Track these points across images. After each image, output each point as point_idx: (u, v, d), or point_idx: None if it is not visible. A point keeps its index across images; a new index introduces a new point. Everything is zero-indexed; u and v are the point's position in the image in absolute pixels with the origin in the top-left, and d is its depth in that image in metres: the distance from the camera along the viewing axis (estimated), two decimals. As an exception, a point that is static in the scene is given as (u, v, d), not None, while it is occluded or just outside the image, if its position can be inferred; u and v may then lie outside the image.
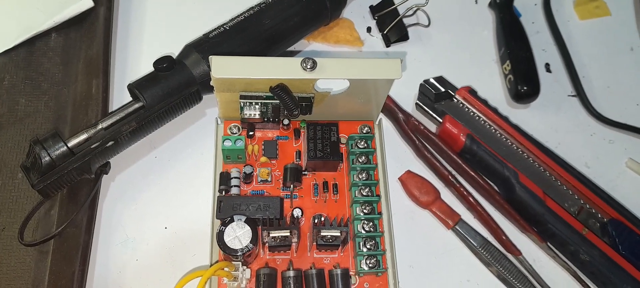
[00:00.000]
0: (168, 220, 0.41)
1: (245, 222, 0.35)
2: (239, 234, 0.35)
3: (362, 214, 0.39)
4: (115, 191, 0.42)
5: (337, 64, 0.36)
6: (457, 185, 0.43)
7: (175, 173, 0.43)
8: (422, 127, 0.45)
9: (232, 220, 0.35)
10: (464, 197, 0.43)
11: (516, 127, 0.45)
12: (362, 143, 0.41)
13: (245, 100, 0.39)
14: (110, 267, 0.39)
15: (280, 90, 0.37)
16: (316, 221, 0.38)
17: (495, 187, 0.44)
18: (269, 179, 0.41)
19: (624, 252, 0.41)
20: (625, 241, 0.41)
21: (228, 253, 0.34)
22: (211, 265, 0.38)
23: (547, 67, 0.52)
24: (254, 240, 0.35)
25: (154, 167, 0.43)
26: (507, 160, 0.44)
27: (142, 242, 0.40)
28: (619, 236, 0.41)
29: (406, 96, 0.48)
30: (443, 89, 0.46)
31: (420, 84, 0.46)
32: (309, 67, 0.35)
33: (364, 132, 0.43)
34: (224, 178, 0.40)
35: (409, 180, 0.44)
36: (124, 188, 0.42)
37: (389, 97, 0.44)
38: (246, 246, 0.34)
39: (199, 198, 0.42)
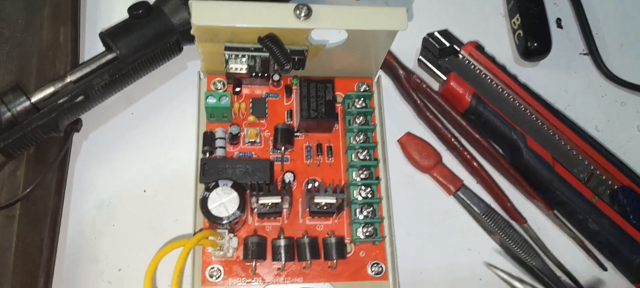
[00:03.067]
0: (147, 183, 0.38)
1: (231, 187, 0.32)
2: (224, 201, 0.32)
3: (358, 179, 0.36)
4: (88, 150, 0.38)
5: (335, 12, 0.32)
6: (460, 148, 0.40)
7: (154, 131, 0.39)
8: (424, 85, 0.42)
9: (217, 185, 0.32)
10: (467, 161, 0.40)
11: (525, 87, 0.42)
12: (360, 102, 0.38)
13: (230, 52, 0.35)
14: (84, 232, 0.36)
15: (270, 41, 0.33)
16: (309, 187, 0.34)
17: (501, 151, 0.41)
18: (258, 141, 0.37)
19: (634, 221, 0.38)
20: (636, 209, 0.39)
21: (213, 221, 0.31)
22: (194, 232, 0.35)
23: (559, 23, 0.48)
24: (242, 207, 0.32)
25: (130, 124, 0.39)
26: (514, 123, 0.41)
27: (118, 206, 0.37)
28: (630, 204, 0.39)
29: (407, 51, 0.44)
30: (448, 44, 0.43)
31: (424, 38, 0.43)
32: (303, 14, 0.31)
33: (362, 90, 0.40)
34: (208, 139, 0.36)
35: (408, 142, 0.41)
36: (97, 147, 0.38)
37: (389, 52, 0.41)
38: (233, 214, 0.31)
39: (180, 159, 0.38)
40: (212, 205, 0.31)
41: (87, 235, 0.36)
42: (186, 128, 0.39)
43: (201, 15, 0.31)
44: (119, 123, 0.39)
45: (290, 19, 0.31)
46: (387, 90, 0.42)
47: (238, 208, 0.31)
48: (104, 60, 0.35)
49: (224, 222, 0.31)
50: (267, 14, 0.31)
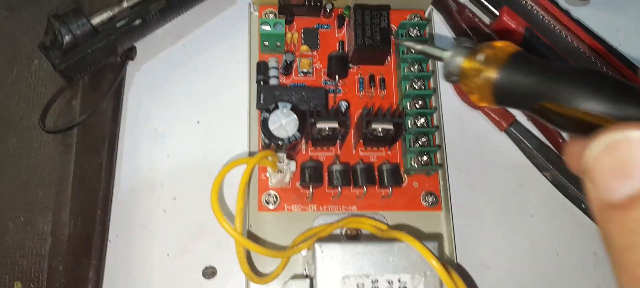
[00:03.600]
0: (200, 114, 0.38)
1: (291, 109, 0.32)
2: (284, 122, 0.32)
3: (414, 109, 0.36)
4: (141, 81, 0.38)
5: None
6: (513, 83, 0.40)
7: (206, 64, 0.39)
8: (476, 20, 0.41)
9: (276, 107, 0.32)
10: (519, 96, 0.40)
11: (578, 22, 0.41)
12: (414, 31, 0.37)
13: (287, -23, 0.34)
14: (140, 161, 0.36)
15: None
16: (368, 111, 0.34)
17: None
18: (311, 71, 0.37)
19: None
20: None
21: (273, 141, 0.31)
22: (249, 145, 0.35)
23: (610, -38, 0.47)
24: (301, 128, 0.31)
25: (182, 57, 0.39)
26: (568, 57, 0.40)
27: (172, 136, 0.37)
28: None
29: (458, -13, 0.43)
30: (500, -21, 0.42)
31: (476, -28, 0.42)
32: None
33: (415, 21, 0.39)
34: (262, 68, 0.36)
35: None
36: (150, 79, 0.38)
37: (441, -15, 0.40)
38: (293, 135, 0.31)
39: (233, 90, 0.38)
40: (273, 126, 0.31)
41: (143, 163, 0.36)
42: (237, 60, 0.39)
43: None
44: (170, 56, 0.39)
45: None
46: (438, 25, 0.42)
47: (298, 130, 0.31)
48: (159, -16, 0.35)
49: (285, 142, 0.31)
50: None
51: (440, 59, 0.23)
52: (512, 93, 0.20)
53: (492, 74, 0.20)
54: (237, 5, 0.41)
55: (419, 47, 0.26)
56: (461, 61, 0.21)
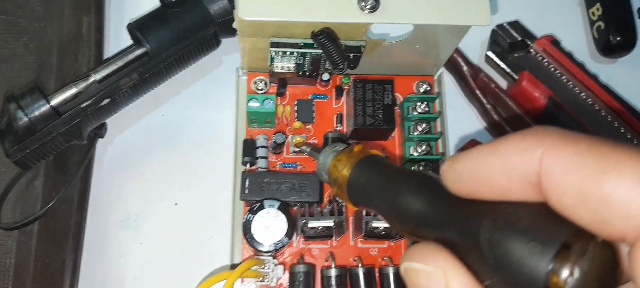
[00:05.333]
0: (179, 195, 0.34)
1: (278, 208, 0.27)
2: (270, 224, 0.27)
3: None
4: (113, 158, 0.34)
5: (405, 3, 0.27)
6: (533, 159, 0.35)
7: (187, 136, 0.35)
8: (492, 85, 0.36)
9: (262, 207, 0.27)
10: (540, 174, 0.35)
11: (606, 89, 0.37)
12: (422, 106, 0.33)
13: (277, 49, 0.30)
14: (109, 251, 0.32)
15: (325, 37, 0.28)
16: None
17: (579, 163, 0.36)
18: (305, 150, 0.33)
19: None
20: None
21: (257, 248, 0.27)
22: (232, 251, 0.30)
23: (641, 13, 0.42)
24: (290, 232, 0.27)
25: (160, 128, 0.35)
26: (593, 130, 0.35)
27: (147, 221, 0.33)
28: None
29: (472, 45, 0.39)
30: (519, 38, 0.37)
31: (493, 30, 0.37)
32: (369, 6, 0.26)
33: (422, 90, 0.34)
34: (249, 147, 0.32)
35: (473, 151, 0.35)
36: (124, 154, 0.34)
37: (453, 47, 0.35)
38: (280, 241, 0.27)
39: (216, 168, 0.34)
40: (256, 230, 0.27)
41: (113, 253, 0.32)
42: (223, 132, 0.34)
43: (249, 8, 0.26)
44: (147, 126, 0.35)
45: (353, 12, 0.26)
46: (449, 89, 0.37)
47: (286, 235, 0.27)
48: (132, 55, 0.31)
49: (270, 250, 0.27)
50: (326, 5, 0.26)
51: (316, 159, 0.26)
52: (355, 193, 0.22)
53: (345, 173, 0.22)
54: (223, 66, 0.37)
55: (307, 149, 0.29)
56: (329, 162, 0.24)
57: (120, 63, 0.30)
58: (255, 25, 0.28)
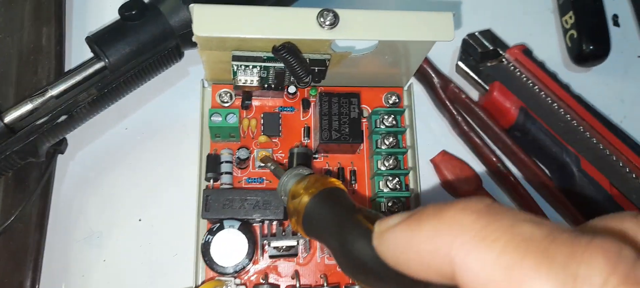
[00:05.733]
0: (142, 211, 0.33)
1: (239, 228, 0.27)
2: (230, 246, 0.27)
3: (387, 211, 0.31)
4: (75, 173, 0.33)
5: (366, 19, 0.26)
6: (504, 171, 0.35)
7: (152, 150, 0.34)
8: (463, 96, 0.36)
9: (221, 227, 0.27)
10: (511, 185, 0.35)
11: (579, 99, 0.36)
12: (390, 119, 0.32)
13: (239, 63, 0.29)
14: (71, 270, 0.31)
15: (287, 52, 0.27)
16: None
17: (550, 175, 0.36)
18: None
19: None
20: None
21: (216, 271, 0.26)
22: (196, 271, 0.30)
23: (615, 20, 0.42)
24: (251, 253, 0.27)
25: (124, 142, 0.34)
26: (566, 142, 0.35)
27: (111, 238, 0.32)
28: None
29: (443, 55, 0.38)
30: (491, 47, 0.37)
31: (464, 39, 0.37)
32: (328, 23, 0.25)
33: (391, 102, 0.34)
34: (212, 163, 0.31)
35: (443, 162, 0.35)
36: (86, 169, 0.33)
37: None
38: (240, 263, 0.26)
39: (181, 183, 0.33)
40: (215, 252, 0.26)
41: (75, 272, 0.31)
42: (188, 146, 0.34)
43: (204, 24, 0.25)
44: (110, 141, 0.34)
45: (312, 29, 0.25)
46: (419, 100, 0.37)
47: (246, 256, 0.26)
48: (91, 70, 0.30)
49: (230, 272, 0.26)
50: (284, 21, 0.26)
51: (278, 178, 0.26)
52: (309, 225, 0.22)
53: (305, 201, 0.22)
54: (189, 78, 0.36)
55: (272, 167, 0.28)
56: (291, 185, 0.24)
57: (78, 78, 0.29)
58: (214, 40, 0.27)
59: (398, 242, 0.15)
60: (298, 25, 0.26)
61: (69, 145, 0.33)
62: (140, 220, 0.33)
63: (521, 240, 0.12)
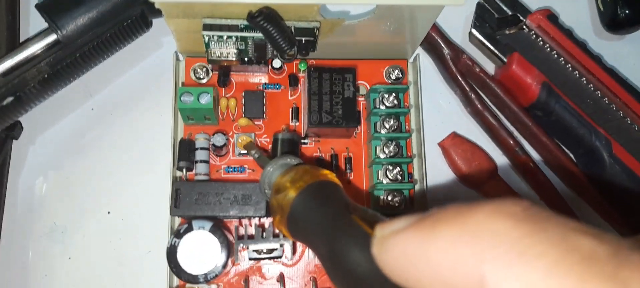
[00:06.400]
0: (111, 203, 0.29)
1: (210, 230, 0.23)
2: (200, 250, 0.23)
3: (387, 207, 0.27)
4: (35, 160, 0.30)
5: (359, -20, 0.21)
6: (522, 155, 0.30)
7: (121, 133, 0.30)
8: (477, 69, 0.31)
9: (190, 228, 0.23)
10: (530, 172, 0.30)
11: (612, 72, 0.31)
12: (391, 98, 0.28)
13: (211, 33, 0.25)
14: (33, 268, 0.28)
15: (264, 20, 0.23)
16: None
17: (576, 161, 0.31)
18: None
19: None
20: None
21: (184, 279, 0.22)
22: (170, 273, 0.26)
23: (655, -21, 0.36)
24: (225, 258, 0.23)
25: (91, 124, 0.30)
26: (596, 123, 0.30)
27: (76, 232, 0.29)
28: None
29: (455, 21, 0.33)
30: (510, 12, 0.32)
31: (478, 3, 0.32)
32: (310, -16, 0.21)
33: (393, 78, 0.29)
34: (185, 150, 0.27)
35: (454, 146, 0.31)
36: (48, 156, 0.30)
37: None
38: (211, 271, 0.23)
39: (154, 171, 0.29)
40: (183, 257, 0.23)
41: (37, 270, 0.28)
42: (162, 128, 0.30)
43: (159, -13, 0.20)
44: (75, 122, 0.30)
45: (291, -9, 0.21)
46: (427, 73, 0.32)
47: (219, 261, 0.23)
48: (42, 44, 0.26)
49: (201, 280, 0.22)
50: (258, -17, 0.21)
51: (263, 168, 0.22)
52: (295, 224, 0.19)
53: (291, 196, 0.19)
54: (162, 49, 0.32)
55: (256, 155, 0.24)
56: (276, 176, 0.21)
57: (25, 53, 0.25)
58: (180, 5, 0.23)
59: (406, 250, 0.12)
60: (275, -13, 0.21)
61: (26, 129, 0.29)
62: (109, 212, 0.29)
63: (579, 258, 0.09)
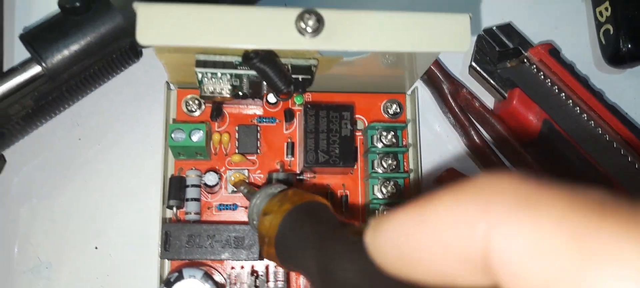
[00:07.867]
0: (99, 237, 0.28)
1: (201, 279, 0.22)
2: (191, 298, 0.22)
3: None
4: (19, 192, 0.28)
5: (359, 23, 0.20)
6: (522, 193, 0.30)
7: (110, 165, 0.29)
8: (476, 104, 0.31)
9: (180, 277, 0.22)
10: (529, 210, 0.30)
11: (613, 110, 0.31)
12: (389, 136, 0.27)
13: (204, 70, 0.24)
14: (14, 307, 0.27)
15: (260, 61, 0.22)
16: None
17: (577, 198, 0.31)
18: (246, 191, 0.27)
19: None
20: None
21: (173, 331, 0.22)
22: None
23: (658, 11, 0.36)
24: (216, 308, 0.22)
25: (77, 155, 0.29)
26: (597, 161, 0.30)
27: (62, 268, 0.28)
28: None
29: (453, 54, 0.32)
30: (511, 45, 0.31)
31: (479, 36, 0.31)
32: (310, 28, 0.20)
33: (391, 112, 0.29)
34: (175, 187, 0.26)
35: (451, 182, 0.30)
36: (33, 187, 0.29)
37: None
38: (202, 322, 0.22)
39: (144, 204, 0.28)
40: (173, 307, 0.22)
41: (18, 309, 0.27)
42: (153, 161, 0.29)
43: (149, 31, 0.19)
44: (61, 153, 0.29)
45: (289, 37, 0.20)
46: (425, 106, 0.31)
47: (211, 311, 0.22)
48: (26, 76, 0.25)
49: (190, 332, 0.22)
50: (254, 27, 0.20)
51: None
52: (283, 251, 0.18)
53: (278, 219, 0.18)
54: (154, 77, 0.30)
55: (245, 190, 0.24)
56: (263, 204, 0.20)
57: (10, 83, 0.24)
58: (167, 46, 0.22)
59: (402, 229, 0.11)
60: (271, 33, 0.20)
61: (12, 159, 0.28)
62: (96, 248, 0.28)
63: (592, 205, 0.09)
